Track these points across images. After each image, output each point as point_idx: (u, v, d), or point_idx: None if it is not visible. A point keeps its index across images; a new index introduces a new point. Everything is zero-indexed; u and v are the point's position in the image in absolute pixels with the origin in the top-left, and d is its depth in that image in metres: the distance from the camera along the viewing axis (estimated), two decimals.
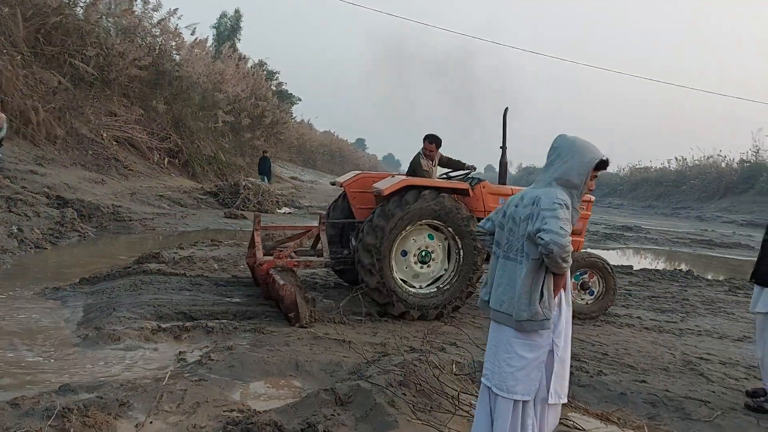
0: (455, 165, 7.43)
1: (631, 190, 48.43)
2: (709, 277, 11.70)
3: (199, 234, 12.45)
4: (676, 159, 46.04)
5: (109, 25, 20.49)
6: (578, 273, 6.87)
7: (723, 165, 40.67)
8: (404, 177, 6.60)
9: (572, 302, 6.98)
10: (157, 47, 22.28)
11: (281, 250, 6.46)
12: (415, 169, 7.10)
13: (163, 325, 5.26)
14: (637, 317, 7.24)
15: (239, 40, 42.51)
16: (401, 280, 6.17)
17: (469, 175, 7.33)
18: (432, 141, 7.12)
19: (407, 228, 6.06)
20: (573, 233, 7.19)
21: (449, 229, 6.18)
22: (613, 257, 14.15)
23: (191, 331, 5.19)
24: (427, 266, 6.27)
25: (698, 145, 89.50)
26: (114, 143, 17.67)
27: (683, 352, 5.77)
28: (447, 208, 6.09)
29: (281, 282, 5.67)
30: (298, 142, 47.35)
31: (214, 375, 4.20)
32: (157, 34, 22.54)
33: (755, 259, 4.68)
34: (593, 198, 7.49)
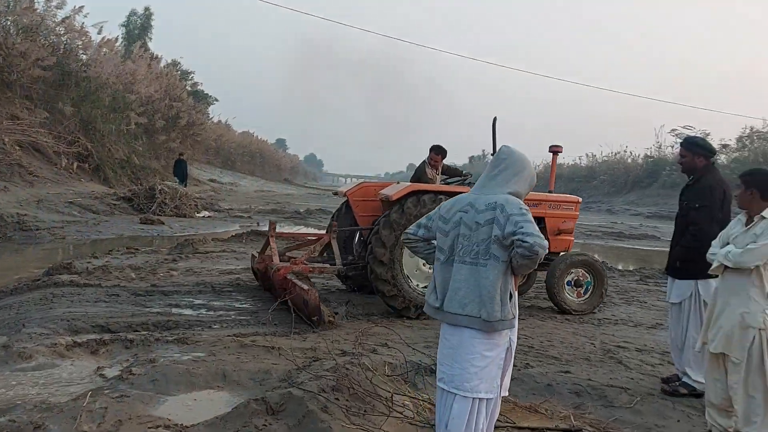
0: (452, 172, 7.99)
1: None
2: (620, 267, 12.30)
3: (114, 241, 11.91)
4: (587, 156, 48.19)
5: (9, 23, 19.25)
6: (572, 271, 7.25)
7: (629, 161, 42.92)
8: (409, 183, 6.93)
9: (566, 299, 7.18)
10: (62, 46, 21.19)
11: (291, 257, 6.85)
12: (420, 176, 7.52)
13: (79, 340, 4.95)
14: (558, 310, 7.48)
15: (150, 39, 41.05)
16: (415, 283, 6.59)
17: (466, 181, 7.72)
18: (438, 152, 7.62)
19: None
20: (565, 233, 7.37)
21: None
22: None
23: (109, 344, 4.93)
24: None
25: (607, 142, 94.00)
26: (17, 148, 16.59)
27: (602, 341, 6.00)
28: None
29: (305, 286, 5.85)
30: (216, 143, 46.16)
31: (137, 390, 3.99)
32: (62, 32, 21.44)
33: (662, 249, 4.93)
34: (580, 199, 7.92)
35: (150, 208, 16.56)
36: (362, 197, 7.45)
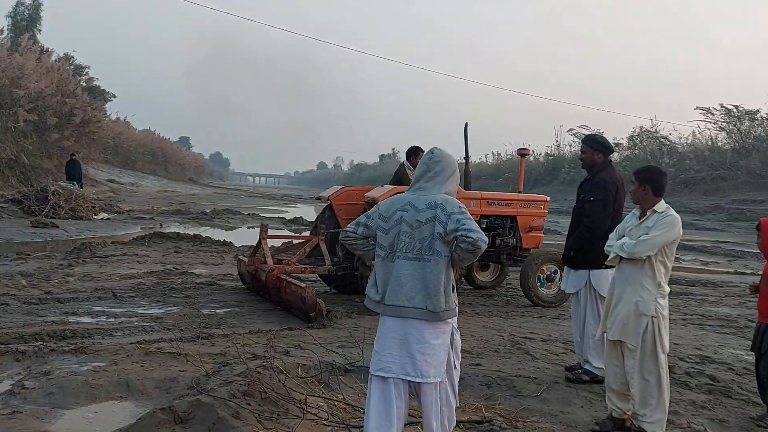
0: None
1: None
2: None
3: (2, 247, 11.06)
4: (493, 154, 49.86)
5: None
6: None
7: (531, 159, 44.72)
8: (393, 186, 7.36)
9: (540, 293, 7.61)
10: None
11: (280, 259, 7.15)
12: (401, 178, 7.80)
13: None
14: (469, 303, 7.68)
15: (40, 31, 38.51)
16: None
17: None
18: (419, 154, 7.80)
19: None
20: (535, 230, 7.85)
21: None
22: None
23: None
24: None
25: (510, 141, 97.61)
26: None
27: (510, 333, 6.20)
28: None
29: (302, 284, 6.29)
30: (115, 141, 43.91)
31: (30, 405, 3.72)
32: None
33: (563, 242, 5.16)
34: (548, 198, 8.51)
35: (42, 211, 15.53)
36: (345, 201, 7.85)
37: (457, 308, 3.05)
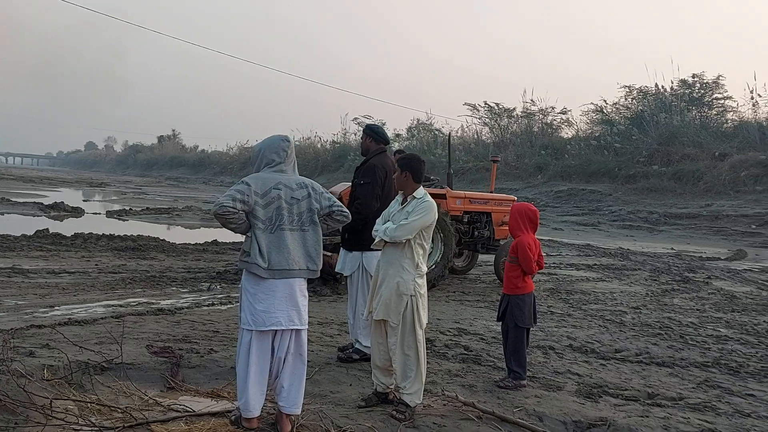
0: None
1: (241, 169, 50.59)
2: None
3: None
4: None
5: None
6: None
7: (319, 146, 45.55)
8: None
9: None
10: None
11: None
12: None
13: None
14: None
15: None
16: None
17: (433, 185, 9.37)
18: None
19: None
20: (505, 224, 9.44)
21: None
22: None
23: None
24: None
25: (298, 127, 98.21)
26: None
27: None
28: None
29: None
30: None
31: None
32: None
33: None
34: (515, 197, 10.04)
35: None
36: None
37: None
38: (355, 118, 42.08)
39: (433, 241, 8.54)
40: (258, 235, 3.41)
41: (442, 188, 9.25)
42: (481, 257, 10.96)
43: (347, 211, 3.64)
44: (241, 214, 3.36)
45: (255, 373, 3.41)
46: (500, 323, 4.75)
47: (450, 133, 10.14)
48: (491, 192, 10.25)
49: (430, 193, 8.49)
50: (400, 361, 3.88)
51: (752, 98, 25.02)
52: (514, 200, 10.03)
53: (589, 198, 23.25)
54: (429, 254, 8.22)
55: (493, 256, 9.78)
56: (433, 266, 8.41)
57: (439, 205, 8.42)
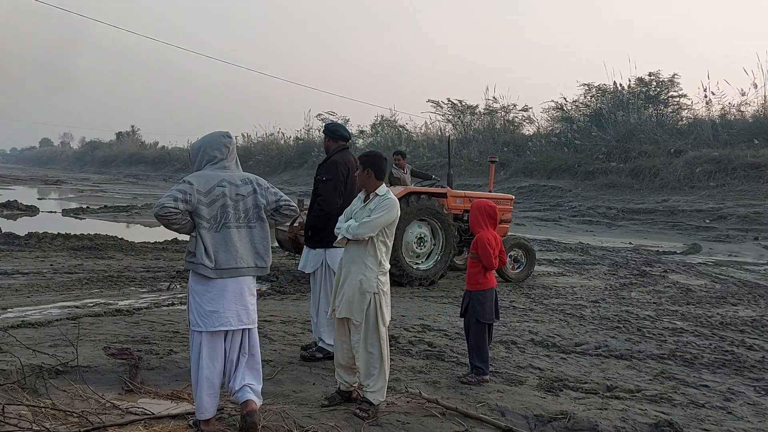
0: (424, 176, 10.30)
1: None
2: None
3: None
4: (243, 136, 49.15)
5: None
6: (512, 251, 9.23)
7: (282, 142, 45.19)
8: (404, 186, 8.92)
9: (508, 272, 9.48)
10: None
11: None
12: (389, 178, 8.51)
13: None
14: None
15: None
16: (408, 261, 8.54)
17: (434, 184, 9.73)
18: (400, 153, 9.95)
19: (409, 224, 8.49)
20: (504, 222, 9.87)
21: (435, 221, 8.70)
22: None
23: None
24: (423, 247, 8.74)
25: (261, 122, 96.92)
26: None
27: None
28: (435, 207, 8.67)
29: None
30: None
31: None
32: None
33: None
34: (513, 197, 10.45)
35: None
36: None
37: None
38: (319, 114, 41.91)
39: (435, 238, 8.88)
40: (203, 234, 3.34)
41: (443, 188, 9.47)
42: None
43: (295, 205, 3.62)
44: (184, 214, 3.29)
45: (206, 375, 3.35)
46: (463, 319, 4.79)
47: (450, 136, 10.68)
48: (490, 191, 10.49)
49: (431, 193, 9.01)
50: (364, 359, 3.87)
51: (706, 96, 25.73)
52: (511, 199, 10.43)
53: (551, 194, 23.63)
54: (430, 252, 8.84)
55: None
56: (435, 264, 8.74)
57: (441, 205, 8.90)
